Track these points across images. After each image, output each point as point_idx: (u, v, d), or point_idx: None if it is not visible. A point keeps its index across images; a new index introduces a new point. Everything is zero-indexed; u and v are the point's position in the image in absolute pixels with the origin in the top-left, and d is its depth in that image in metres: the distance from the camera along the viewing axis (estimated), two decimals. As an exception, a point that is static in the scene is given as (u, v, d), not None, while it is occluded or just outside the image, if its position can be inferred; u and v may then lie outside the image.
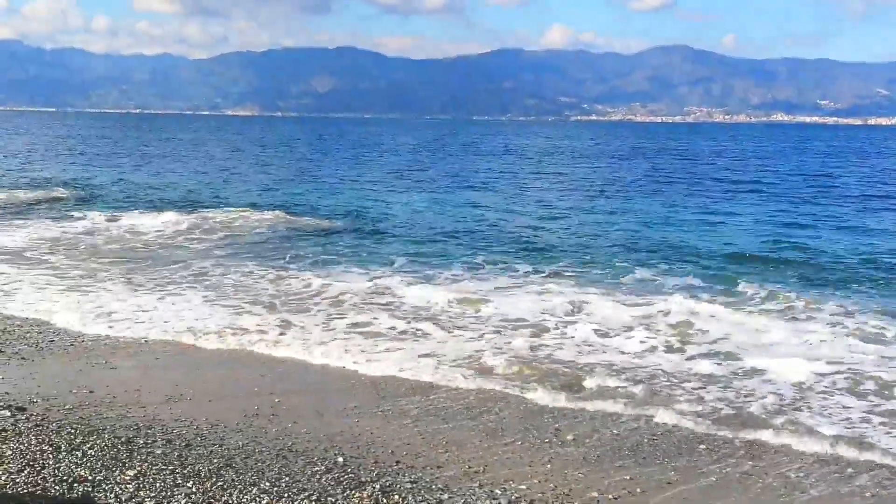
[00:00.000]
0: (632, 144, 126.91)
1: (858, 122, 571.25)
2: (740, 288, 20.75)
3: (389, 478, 9.56)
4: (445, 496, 9.11)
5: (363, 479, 9.47)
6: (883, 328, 16.73)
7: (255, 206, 37.58)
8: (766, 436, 11.14)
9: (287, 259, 24.67)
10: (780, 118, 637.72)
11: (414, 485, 9.39)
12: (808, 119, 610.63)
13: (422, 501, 8.94)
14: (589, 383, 13.19)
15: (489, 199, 42.44)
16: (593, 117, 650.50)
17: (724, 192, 47.98)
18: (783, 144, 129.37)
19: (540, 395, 12.73)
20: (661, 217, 35.62)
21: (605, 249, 26.92)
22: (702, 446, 10.85)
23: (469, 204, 39.88)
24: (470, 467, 10.04)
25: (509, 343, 15.51)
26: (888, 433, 11.30)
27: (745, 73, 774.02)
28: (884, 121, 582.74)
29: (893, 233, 31.62)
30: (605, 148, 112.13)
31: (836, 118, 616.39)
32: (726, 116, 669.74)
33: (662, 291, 20.45)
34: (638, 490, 9.50)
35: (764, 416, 11.84)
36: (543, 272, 22.83)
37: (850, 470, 10.15)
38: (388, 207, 38.12)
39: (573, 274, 22.59)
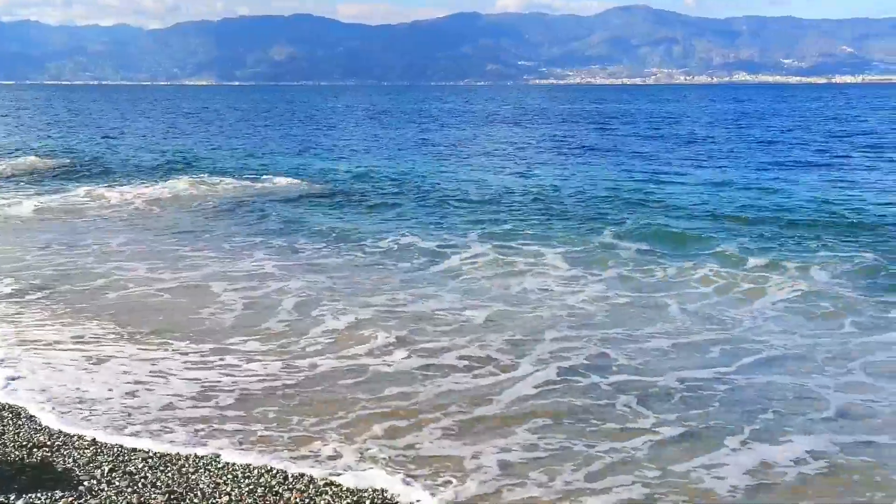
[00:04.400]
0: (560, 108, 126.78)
1: (823, 80, 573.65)
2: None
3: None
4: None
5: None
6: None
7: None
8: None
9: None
10: (744, 78, 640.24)
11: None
12: (771, 79, 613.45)
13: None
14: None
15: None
16: (552, 80, 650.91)
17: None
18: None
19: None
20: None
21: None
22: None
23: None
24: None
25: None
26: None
27: (707, 32, 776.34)
28: (849, 78, 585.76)
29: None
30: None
31: (800, 77, 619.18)
32: (687, 78, 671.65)
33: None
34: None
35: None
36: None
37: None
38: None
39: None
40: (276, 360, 12.48)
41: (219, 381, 11.59)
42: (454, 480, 8.67)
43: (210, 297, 16.25)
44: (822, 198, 28.93)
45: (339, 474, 8.72)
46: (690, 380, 11.67)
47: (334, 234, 23.05)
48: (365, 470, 8.85)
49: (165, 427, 9.98)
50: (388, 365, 12.32)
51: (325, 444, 9.47)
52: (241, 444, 9.49)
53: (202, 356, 12.71)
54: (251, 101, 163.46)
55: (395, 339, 13.49)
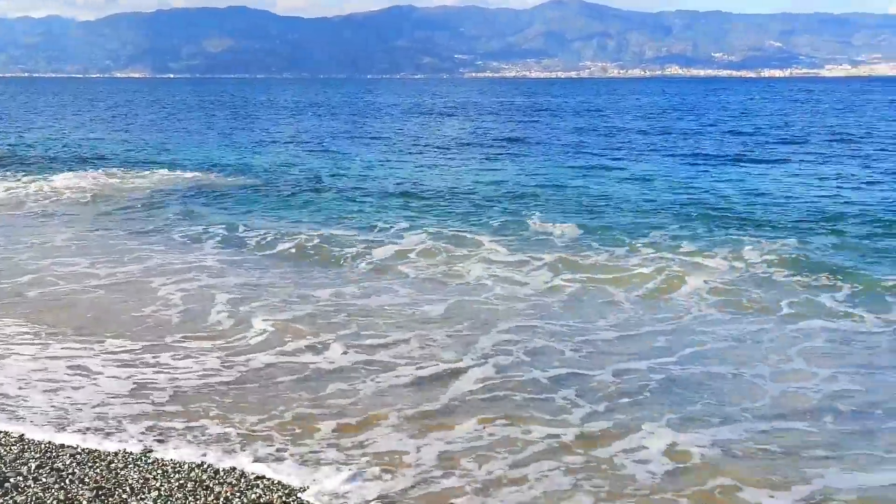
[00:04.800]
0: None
1: (752, 74, 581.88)
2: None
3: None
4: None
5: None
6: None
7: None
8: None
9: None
10: (676, 72, 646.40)
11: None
12: (702, 72, 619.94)
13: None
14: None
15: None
16: (488, 74, 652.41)
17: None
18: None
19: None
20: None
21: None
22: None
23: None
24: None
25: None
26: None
27: (640, 26, 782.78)
28: (777, 72, 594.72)
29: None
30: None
31: (730, 71, 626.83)
32: (621, 71, 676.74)
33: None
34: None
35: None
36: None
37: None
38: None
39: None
40: (213, 357, 12.35)
41: (154, 379, 11.44)
42: (386, 475, 8.70)
43: (143, 293, 16.05)
44: (747, 189, 29.57)
45: (273, 470, 8.72)
46: (629, 371, 11.84)
47: (265, 228, 22.91)
48: (301, 465, 8.87)
49: (97, 425, 9.88)
50: (330, 362, 12.23)
51: (266, 444, 9.42)
52: (175, 441, 9.43)
53: (135, 354, 12.53)
54: (183, 95, 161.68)
55: (335, 335, 13.41)
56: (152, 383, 11.31)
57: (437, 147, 47.33)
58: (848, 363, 12.28)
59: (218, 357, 12.40)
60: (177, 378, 11.51)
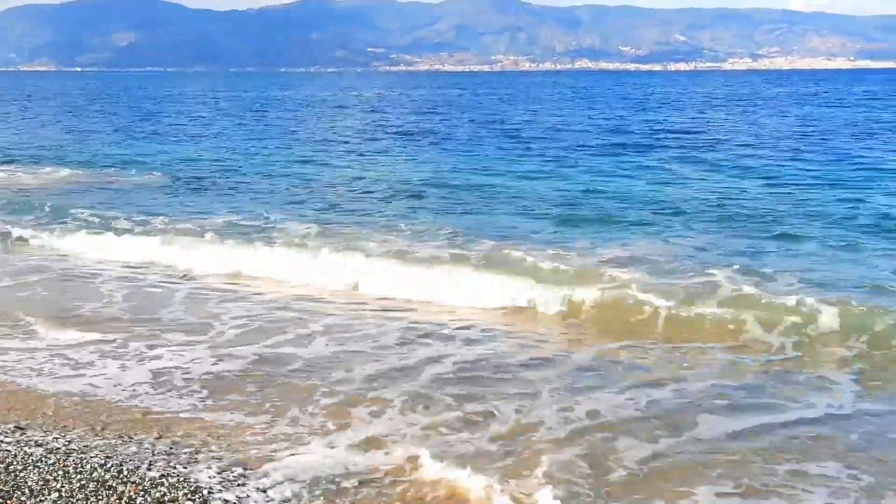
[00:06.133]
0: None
1: (659, 67, 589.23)
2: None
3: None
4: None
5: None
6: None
7: None
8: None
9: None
10: (585, 65, 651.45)
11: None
12: (611, 66, 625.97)
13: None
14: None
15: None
16: (402, 67, 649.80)
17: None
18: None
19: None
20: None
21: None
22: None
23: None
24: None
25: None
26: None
27: (550, 20, 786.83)
28: (682, 66, 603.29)
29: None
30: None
31: (637, 64, 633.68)
32: (532, 64, 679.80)
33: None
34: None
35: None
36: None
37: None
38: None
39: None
40: (196, 350, 12.64)
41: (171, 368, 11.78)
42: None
43: (91, 288, 16.22)
44: (629, 185, 29.34)
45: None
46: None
47: (181, 219, 22.90)
48: (215, 462, 8.93)
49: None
50: (312, 352, 12.57)
51: (183, 443, 9.56)
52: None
53: (85, 348, 12.71)
54: (82, 89, 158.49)
55: (321, 326, 13.82)
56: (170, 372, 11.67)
57: (336, 141, 47.23)
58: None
59: (202, 351, 12.65)
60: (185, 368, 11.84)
